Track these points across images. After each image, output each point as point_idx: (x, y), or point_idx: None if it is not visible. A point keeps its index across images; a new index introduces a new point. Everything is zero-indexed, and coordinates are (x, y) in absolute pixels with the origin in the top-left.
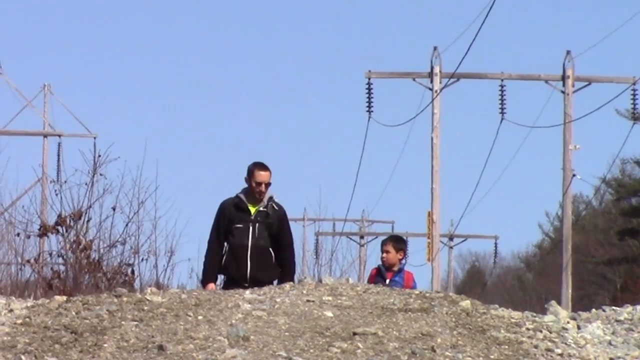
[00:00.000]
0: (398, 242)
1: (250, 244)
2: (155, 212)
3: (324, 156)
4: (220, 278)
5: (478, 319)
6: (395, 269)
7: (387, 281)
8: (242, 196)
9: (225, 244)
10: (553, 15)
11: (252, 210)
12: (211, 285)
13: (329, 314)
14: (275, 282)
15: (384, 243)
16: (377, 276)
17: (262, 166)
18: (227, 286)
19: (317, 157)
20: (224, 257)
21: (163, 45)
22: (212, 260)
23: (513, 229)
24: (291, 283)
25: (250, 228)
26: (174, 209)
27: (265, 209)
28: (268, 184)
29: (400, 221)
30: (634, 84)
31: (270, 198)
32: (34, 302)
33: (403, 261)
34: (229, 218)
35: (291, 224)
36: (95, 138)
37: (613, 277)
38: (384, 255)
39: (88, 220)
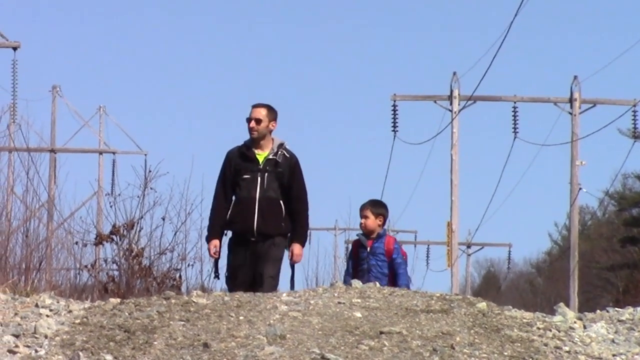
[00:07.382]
0: (376, 206)
1: (258, 196)
2: (201, 222)
3: (354, 171)
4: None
5: (493, 319)
6: (374, 235)
7: (368, 249)
8: (249, 143)
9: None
10: (561, 43)
11: (260, 158)
12: (215, 242)
13: (358, 314)
14: (287, 235)
15: (362, 208)
16: (359, 247)
17: (256, 104)
18: (234, 241)
19: (347, 172)
20: (230, 211)
21: (206, 70)
22: (217, 215)
23: (525, 237)
24: (323, 286)
25: (259, 179)
26: None
27: (274, 157)
28: (258, 120)
29: (422, 231)
30: (634, 105)
31: (281, 145)
32: (90, 304)
33: (385, 227)
34: (235, 168)
35: (323, 233)
36: (146, 155)
37: (616, 281)
38: (363, 221)
39: (140, 230)
